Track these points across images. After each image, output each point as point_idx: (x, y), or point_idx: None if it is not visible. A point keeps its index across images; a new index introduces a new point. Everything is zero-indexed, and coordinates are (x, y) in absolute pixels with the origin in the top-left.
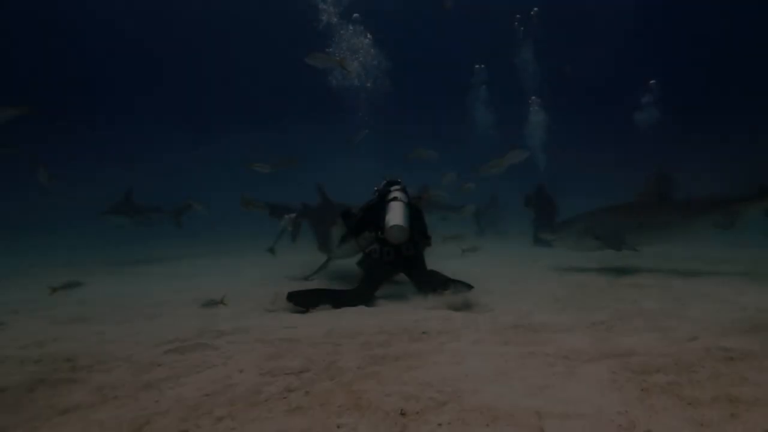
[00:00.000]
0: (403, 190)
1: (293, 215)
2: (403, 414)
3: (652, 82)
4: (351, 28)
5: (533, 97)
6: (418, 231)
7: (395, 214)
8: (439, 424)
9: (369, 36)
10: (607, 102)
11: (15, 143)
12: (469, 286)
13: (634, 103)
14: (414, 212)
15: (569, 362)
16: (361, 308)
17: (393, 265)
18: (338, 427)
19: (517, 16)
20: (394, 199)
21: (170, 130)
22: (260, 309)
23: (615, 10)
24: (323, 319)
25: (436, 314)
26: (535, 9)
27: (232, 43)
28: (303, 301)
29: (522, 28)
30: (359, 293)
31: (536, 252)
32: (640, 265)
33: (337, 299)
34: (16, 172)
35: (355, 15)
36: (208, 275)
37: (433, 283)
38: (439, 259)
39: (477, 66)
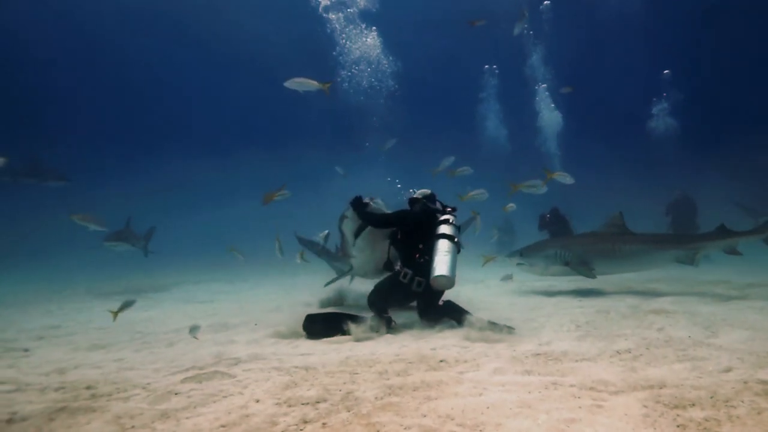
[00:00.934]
0: (456, 224)
1: (326, 232)
2: None
3: (666, 72)
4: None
5: (543, 85)
6: None
7: (444, 260)
8: None
9: (375, 35)
10: (622, 116)
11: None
12: (510, 329)
13: (649, 112)
14: None
15: (596, 394)
16: (377, 335)
17: (415, 295)
18: None
19: (525, 14)
20: (444, 236)
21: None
22: (276, 335)
23: (626, 19)
24: (339, 345)
25: (454, 342)
26: (546, 2)
27: (232, 62)
28: (319, 328)
29: (531, 32)
30: (379, 313)
31: (553, 276)
32: (663, 290)
33: (355, 323)
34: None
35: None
36: (224, 301)
37: (440, 314)
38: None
39: (487, 66)
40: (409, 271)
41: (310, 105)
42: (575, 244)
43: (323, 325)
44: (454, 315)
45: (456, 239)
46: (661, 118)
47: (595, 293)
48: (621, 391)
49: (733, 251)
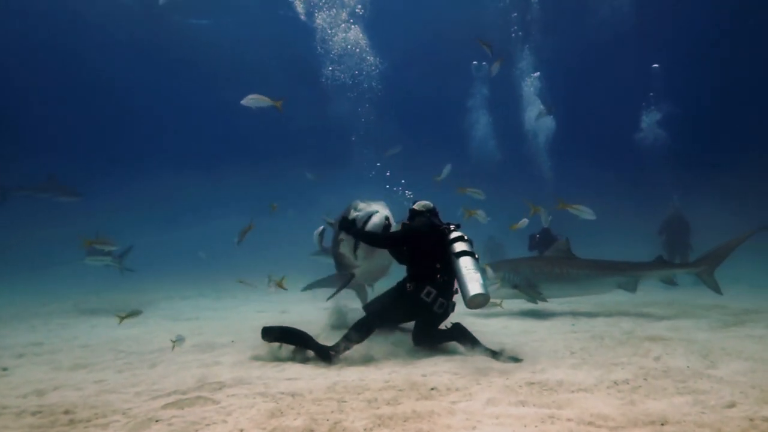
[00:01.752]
0: (471, 241)
1: (322, 228)
2: None
3: (655, 66)
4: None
5: (536, 74)
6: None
7: (476, 278)
8: None
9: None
10: (616, 134)
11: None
12: (517, 360)
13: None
14: None
15: (595, 430)
16: (365, 359)
17: (424, 315)
18: None
19: (514, 14)
20: (466, 253)
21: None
22: (262, 357)
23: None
24: (326, 370)
25: (445, 368)
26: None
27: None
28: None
29: (520, 33)
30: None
31: (501, 299)
32: (657, 314)
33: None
34: None
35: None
36: (211, 319)
37: (444, 339)
38: None
39: (475, 62)
40: (434, 290)
41: (296, 117)
42: (524, 267)
43: (279, 336)
44: (462, 340)
45: (477, 256)
46: (651, 130)
47: (588, 316)
48: (621, 427)
49: (669, 281)
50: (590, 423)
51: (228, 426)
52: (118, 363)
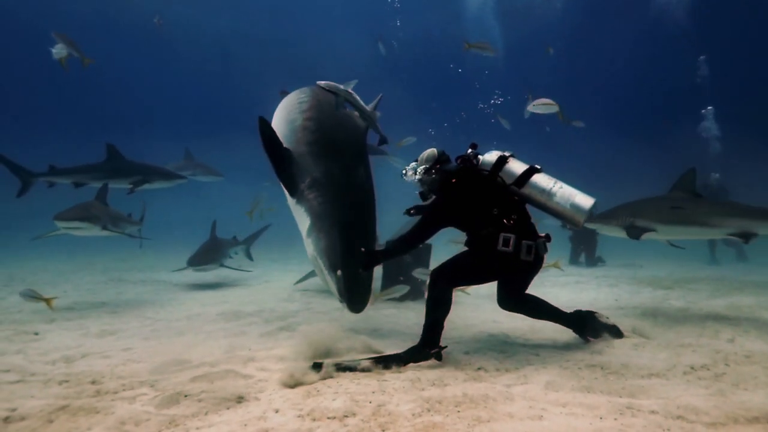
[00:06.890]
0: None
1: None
2: None
3: (701, 58)
4: None
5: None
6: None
7: (570, 191)
8: None
9: None
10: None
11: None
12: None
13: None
14: None
15: (688, 426)
16: (392, 332)
17: (505, 269)
18: None
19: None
20: (529, 173)
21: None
22: (290, 328)
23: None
24: None
25: (488, 344)
26: None
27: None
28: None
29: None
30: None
31: (575, 272)
32: (706, 291)
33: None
34: None
35: None
36: (234, 287)
37: (539, 314)
38: None
39: None
40: (511, 234)
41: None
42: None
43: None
44: (582, 332)
45: (539, 167)
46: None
47: (629, 292)
48: (719, 423)
49: None
50: (680, 417)
51: (261, 405)
52: (145, 330)
